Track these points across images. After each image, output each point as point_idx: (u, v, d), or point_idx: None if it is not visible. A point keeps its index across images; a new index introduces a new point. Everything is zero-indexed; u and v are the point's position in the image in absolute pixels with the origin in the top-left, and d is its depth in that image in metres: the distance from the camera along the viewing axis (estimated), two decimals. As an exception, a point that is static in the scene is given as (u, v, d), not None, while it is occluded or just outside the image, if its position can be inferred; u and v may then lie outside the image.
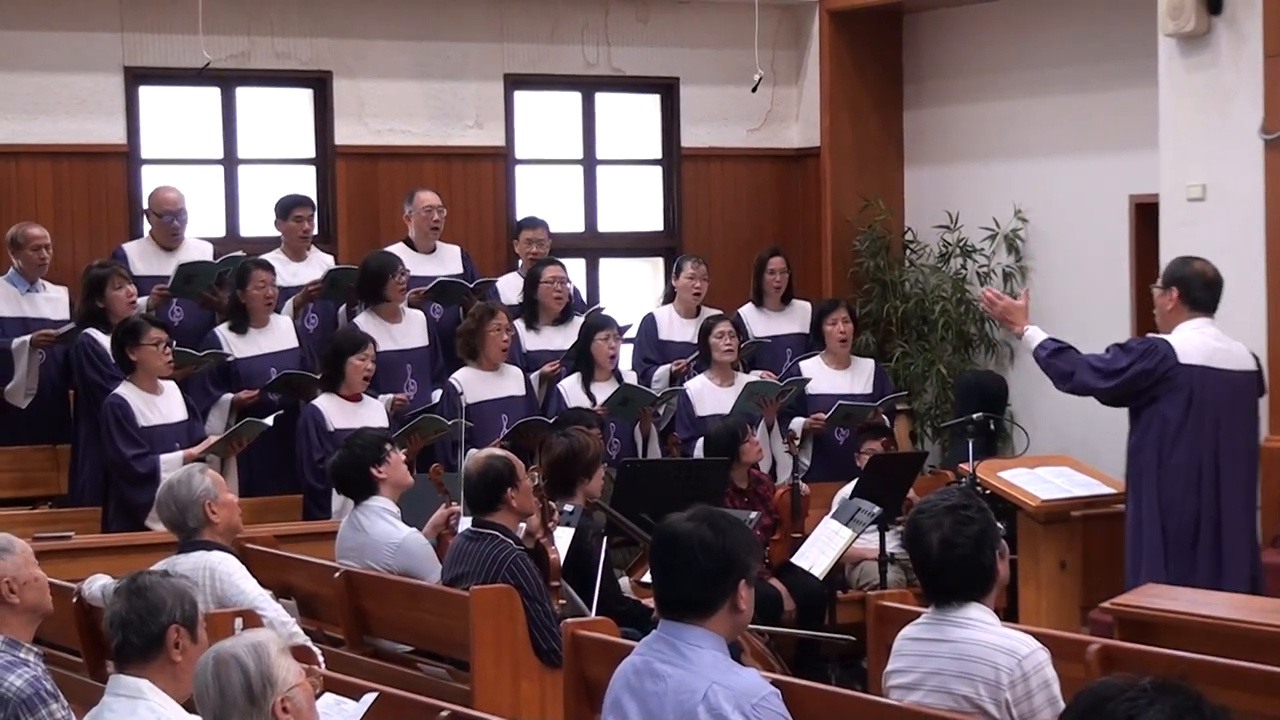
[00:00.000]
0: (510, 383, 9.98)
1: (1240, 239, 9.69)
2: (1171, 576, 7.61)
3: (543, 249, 11.04)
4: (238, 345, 9.92)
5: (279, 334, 10.08)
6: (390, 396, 9.88)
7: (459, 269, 10.83)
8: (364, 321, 10.16)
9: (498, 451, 7.58)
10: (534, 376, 10.22)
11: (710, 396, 10.31)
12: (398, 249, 10.76)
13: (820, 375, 10.55)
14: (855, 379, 10.66)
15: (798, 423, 10.34)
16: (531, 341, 10.47)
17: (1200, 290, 7.96)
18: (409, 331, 10.25)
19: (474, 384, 9.77)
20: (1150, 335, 8.10)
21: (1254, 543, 8.12)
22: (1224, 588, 7.56)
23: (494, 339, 9.82)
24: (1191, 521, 7.88)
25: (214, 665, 4.28)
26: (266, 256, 10.29)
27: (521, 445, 9.42)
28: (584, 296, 11.70)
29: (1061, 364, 8.12)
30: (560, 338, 10.47)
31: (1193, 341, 7.90)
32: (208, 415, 9.73)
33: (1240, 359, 8.09)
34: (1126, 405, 8.03)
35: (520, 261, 11.09)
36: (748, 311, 11.22)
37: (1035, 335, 8.24)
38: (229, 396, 9.79)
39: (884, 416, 10.51)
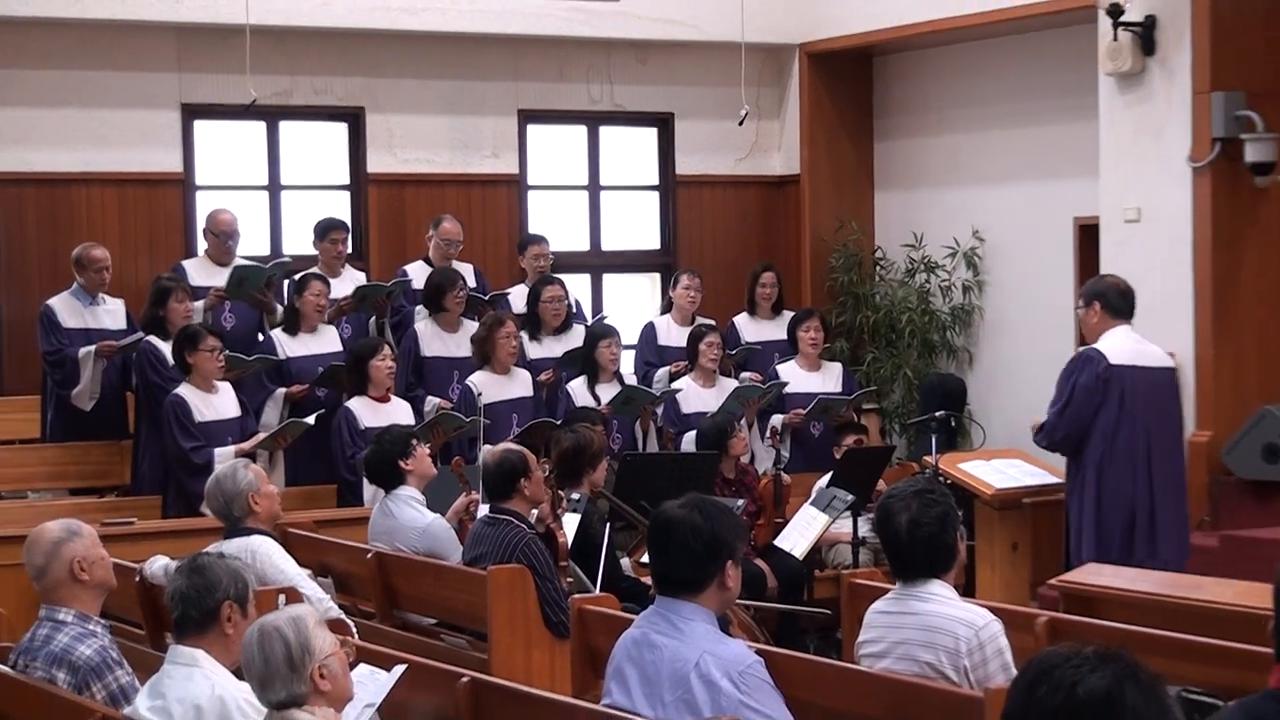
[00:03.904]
0: (519, 385, 9.96)
1: (1171, 256, 9.72)
2: (1110, 558, 7.61)
3: (548, 262, 11.05)
4: (290, 345, 9.96)
5: (327, 338, 10.11)
6: (437, 401, 9.88)
7: (473, 284, 10.81)
8: (423, 328, 10.20)
9: (513, 446, 7.58)
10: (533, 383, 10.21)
11: (695, 397, 10.32)
12: (416, 266, 10.78)
13: (794, 377, 10.56)
14: (826, 379, 10.67)
15: (777, 419, 10.35)
16: (534, 351, 10.42)
17: (1118, 300, 7.99)
18: (463, 341, 10.15)
19: (488, 386, 9.75)
20: (1078, 351, 8.10)
21: (1184, 527, 8.11)
22: (1158, 568, 7.57)
23: (503, 345, 9.80)
24: (1128, 509, 7.87)
25: (259, 636, 4.29)
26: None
27: (530, 442, 9.40)
28: (586, 309, 11.70)
29: (1039, 432, 8.11)
30: (560, 347, 10.45)
31: (1119, 344, 7.92)
32: (264, 407, 9.78)
33: (1159, 358, 8.11)
34: (1086, 422, 7.90)
35: (528, 274, 11.09)
36: (741, 320, 11.23)
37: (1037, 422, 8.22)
38: (282, 391, 9.82)
39: (854, 413, 10.52)
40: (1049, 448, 8.19)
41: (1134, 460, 7.88)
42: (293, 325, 10.01)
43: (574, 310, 10.89)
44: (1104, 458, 7.89)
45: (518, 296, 10.86)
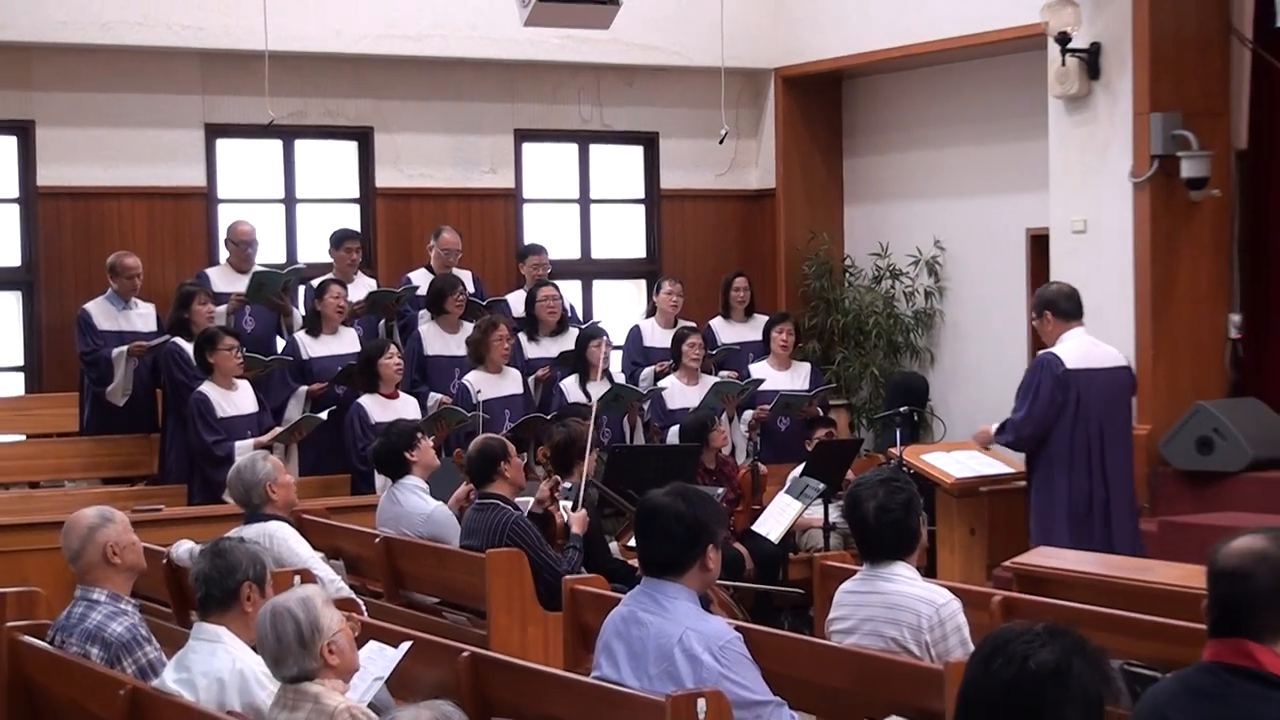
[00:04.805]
0: (511, 383, 9.95)
1: (1114, 264, 9.74)
2: (1073, 543, 7.62)
3: (546, 271, 11.06)
4: (312, 346, 9.96)
5: (346, 340, 10.09)
6: (439, 397, 9.88)
7: (471, 289, 10.82)
8: (426, 330, 10.20)
9: (492, 435, 7.65)
10: (530, 380, 10.21)
11: (679, 393, 10.33)
12: (419, 274, 10.79)
13: (767, 375, 10.57)
14: (795, 378, 10.68)
15: (747, 414, 10.36)
16: (531, 351, 10.43)
17: (1066, 303, 8.00)
18: (463, 342, 10.10)
19: (482, 385, 9.72)
20: (1038, 355, 8.10)
21: (1135, 516, 8.11)
22: (1114, 551, 7.58)
23: (497, 346, 9.79)
24: (1085, 498, 7.88)
25: (271, 616, 4.29)
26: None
27: (522, 436, 9.40)
28: (579, 312, 11.72)
29: (1003, 433, 8.12)
30: (556, 347, 10.46)
31: (1074, 348, 7.92)
32: (288, 403, 9.79)
33: (1114, 358, 8.12)
34: (1053, 418, 7.91)
35: (527, 281, 11.09)
36: (717, 323, 11.23)
37: (994, 429, 8.25)
38: (304, 388, 9.83)
39: (818, 409, 10.52)
40: (1013, 446, 8.18)
41: (1088, 458, 7.90)
42: (315, 328, 10.01)
43: (569, 314, 10.90)
44: (1059, 456, 7.89)
45: (516, 301, 10.87)
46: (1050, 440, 7.96)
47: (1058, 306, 7.98)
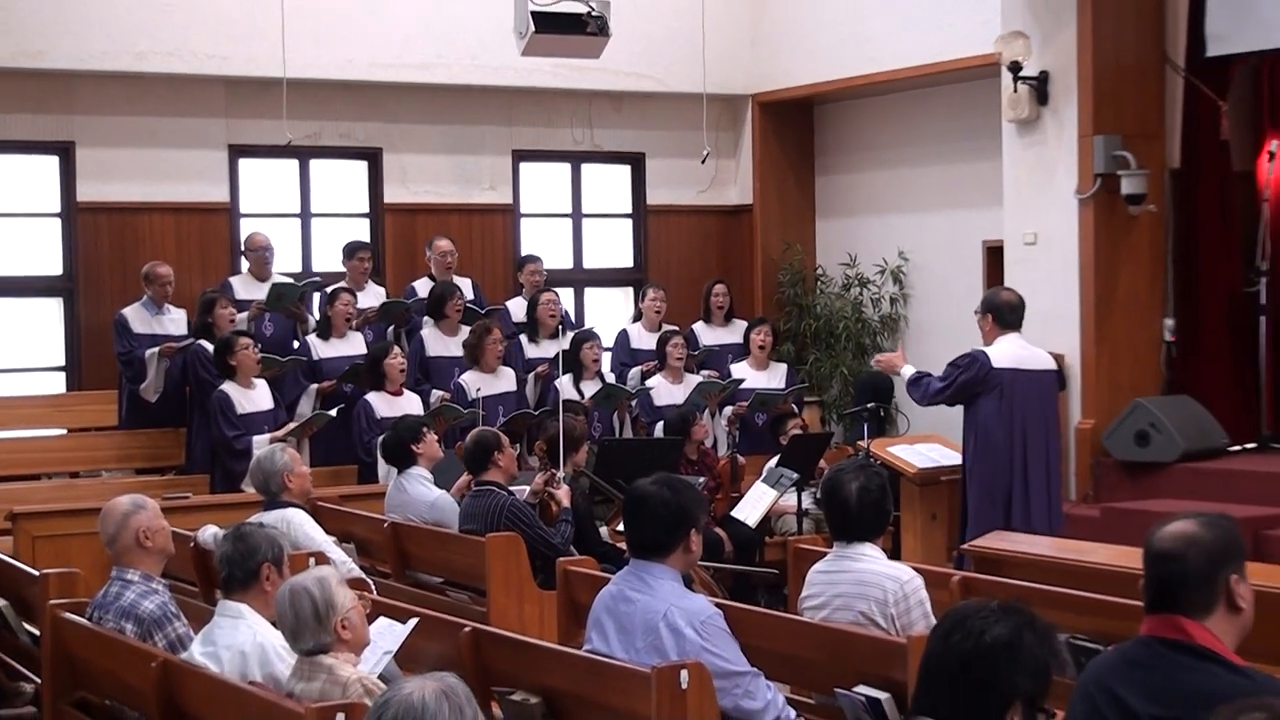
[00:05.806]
0: (505, 382, 9.95)
1: (1061, 273, 9.77)
2: (992, 528, 7.63)
3: (542, 278, 11.06)
4: (322, 349, 9.99)
5: (355, 343, 10.11)
6: (440, 394, 9.87)
7: (471, 296, 10.82)
8: (428, 333, 10.19)
9: (487, 428, 7.67)
10: (530, 377, 10.22)
11: (665, 391, 10.33)
12: (422, 283, 10.79)
13: (746, 375, 10.57)
14: (772, 377, 10.69)
15: (727, 410, 10.37)
16: (531, 351, 10.46)
17: (1009, 313, 8.00)
18: (462, 344, 10.15)
19: (478, 383, 9.70)
20: (972, 350, 8.12)
21: (1052, 501, 8.09)
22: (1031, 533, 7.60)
23: (491, 349, 9.80)
24: (1005, 488, 7.90)
25: (290, 594, 4.29)
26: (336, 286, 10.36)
27: (512, 430, 9.40)
28: (573, 317, 11.72)
29: (916, 386, 8.16)
30: (554, 348, 10.45)
31: (1005, 350, 7.94)
32: (300, 400, 9.79)
33: (1042, 361, 8.11)
34: (962, 402, 8.02)
35: (524, 289, 11.09)
36: (699, 327, 11.23)
37: (907, 371, 8.27)
38: (315, 386, 9.83)
39: (793, 405, 10.52)
40: (916, 400, 8.23)
41: (1011, 450, 7.90)
42: (325, 331, 10.03)
43: (565, 319, 10.90)
44: (983, 449, 7.91)
45: (516, 307, 10.88)
46: (974, 438, 7.98)
47: (1002, 315, 8.00)
